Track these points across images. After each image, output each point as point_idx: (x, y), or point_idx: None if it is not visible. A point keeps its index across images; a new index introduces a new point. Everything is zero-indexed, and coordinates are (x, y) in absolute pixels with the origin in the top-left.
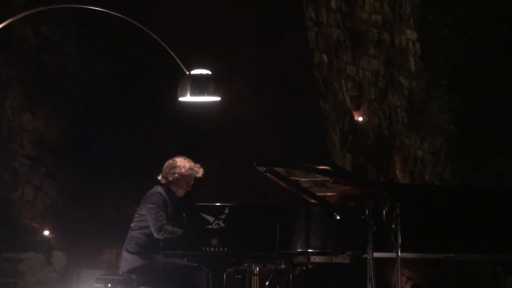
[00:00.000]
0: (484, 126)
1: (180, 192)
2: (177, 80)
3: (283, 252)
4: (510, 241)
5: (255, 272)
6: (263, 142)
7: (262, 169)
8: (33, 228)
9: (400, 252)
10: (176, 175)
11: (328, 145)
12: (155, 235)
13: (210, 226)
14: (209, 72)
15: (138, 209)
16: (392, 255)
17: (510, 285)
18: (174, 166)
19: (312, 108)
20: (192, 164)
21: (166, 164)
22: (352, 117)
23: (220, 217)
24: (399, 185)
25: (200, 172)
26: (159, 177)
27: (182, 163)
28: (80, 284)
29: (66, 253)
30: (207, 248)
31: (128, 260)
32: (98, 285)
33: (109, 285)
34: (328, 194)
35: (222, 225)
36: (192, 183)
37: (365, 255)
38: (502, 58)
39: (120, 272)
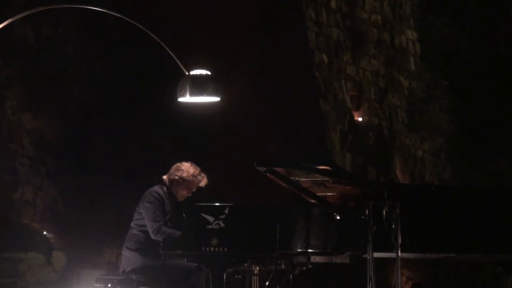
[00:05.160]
0: (484, 126)
1: (179, 195)
2: (177, 81)
3: (283, 252)
4: (510, 241)
5: (255, 272)
6: (263, 142)
7: (262, 169)
8: (33, 228)
9: (400, 252)
10: (177, 177)
11: (328, 145)
12: (152, 237)
13: (210, 226)
14: (209, 73)
15: (137, 207)
16: (392, 255)
17: (510, 285)
18: (178, 169)
19: (312, 108)
20: (197, 171)
21: (174, 165)
22: (352, 117)
23: (220, 217)
24: (399, 185)
25: (203, 181)
26: (164, 177)
27: (187, 168)
28: (80, 284)
29: (66, 253)
30: (207, 248)
31: (128, 257)
32: (98, 285)
33: (109, 285)
34: (328, 194)
35: (222, 225)
36: (194, 190)
37: (365, 255)
38: (502, 58)
39: (120, 270)
